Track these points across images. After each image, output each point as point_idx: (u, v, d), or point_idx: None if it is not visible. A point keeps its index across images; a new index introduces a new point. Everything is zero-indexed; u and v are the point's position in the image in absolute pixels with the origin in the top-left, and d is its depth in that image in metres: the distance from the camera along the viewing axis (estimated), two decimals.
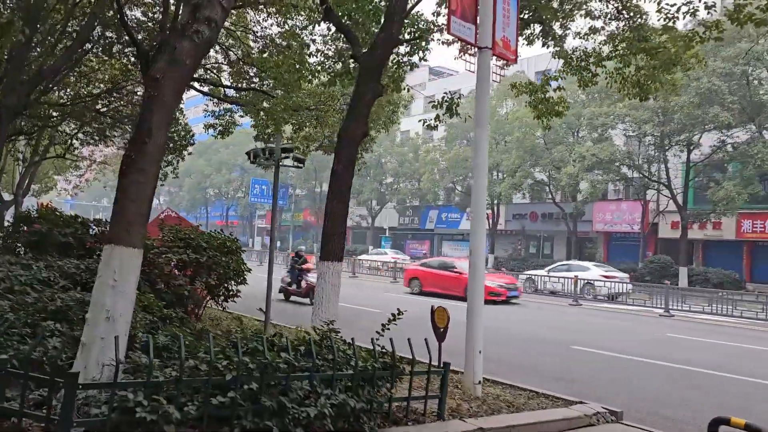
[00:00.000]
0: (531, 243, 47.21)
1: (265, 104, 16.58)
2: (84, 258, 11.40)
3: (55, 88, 16.54)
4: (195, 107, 56.16)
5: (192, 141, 17.74)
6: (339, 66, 11.53)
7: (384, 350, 5.03)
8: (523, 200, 45.18)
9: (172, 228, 8.51)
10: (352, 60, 11.09)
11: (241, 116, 18.43)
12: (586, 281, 23.99)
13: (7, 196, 27.44)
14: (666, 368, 10.25)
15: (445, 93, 8.89)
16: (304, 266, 19.18)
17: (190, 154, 17.93)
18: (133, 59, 16.83)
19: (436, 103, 9.12)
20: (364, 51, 7.86)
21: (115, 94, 18.31)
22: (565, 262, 30.43)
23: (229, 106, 18.56)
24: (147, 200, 4.44)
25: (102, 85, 18.13)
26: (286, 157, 9.59)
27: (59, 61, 9.73)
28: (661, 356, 11.26)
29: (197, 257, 7.62)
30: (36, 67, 10.28)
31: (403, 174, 53.30)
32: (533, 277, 27.78)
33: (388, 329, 5.19)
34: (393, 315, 5.35)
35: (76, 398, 3.50)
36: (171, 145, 17.47)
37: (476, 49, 6.94)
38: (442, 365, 5.50)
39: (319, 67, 12.56)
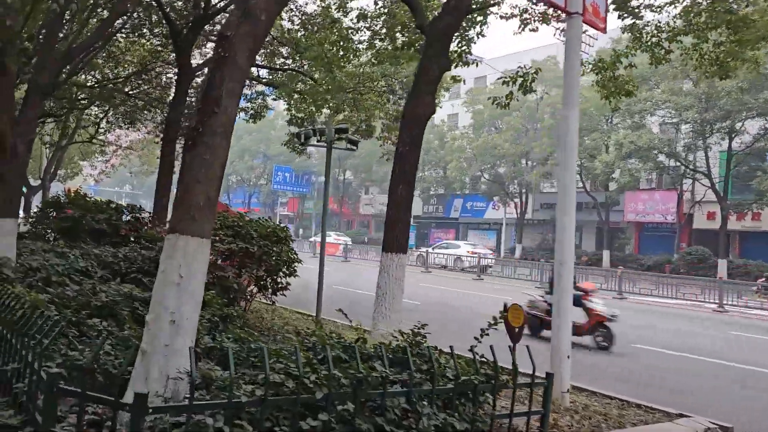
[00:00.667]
0: None
1: (300, 86, 15.87)
2: (119, 246, 10.84)
3: (83, 69, 15.99)
4: None
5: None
6: (386, 43, 10.73)
7: (483, 359, 4.31)
8: (552, 189, 44.05)
9: (219, 214, 7.85)
10: (402, 37, 10.31)
11: (274, 99, 17.73)
12: (456, 257, 29.92)
13: (33, 182, 27.15)
14: (750, 372, 9.42)
15: (519, 68, 8.06)
16: (584, 285, 11.52)
17: None
18: (162, 40, 16.22)
19: (507, 79, 8.31)
20: (429, 20, 7.08)
21: (143, 77, 17.72)
22: (445, 242, 37.61)
23: (261, 88, 17.89)
24: (216, 180, 3.74)
25: (131, 67, 17.56)
26: (339, 139, 8.86)
27: (91, 38, 9.07)
28: (740, 358, 10.40)
29: (247, 247, 6.95)
30: (66, 45, 9.64)
31: (428, 162, 52.41)
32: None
33: (487, 335, 4.45)
34: (494, 318, 4.62)
35: (144, 425, 2.83)
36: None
37: (565, 15, 6.13)
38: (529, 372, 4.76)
39: (365, 44, 11.77)
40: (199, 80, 15.03)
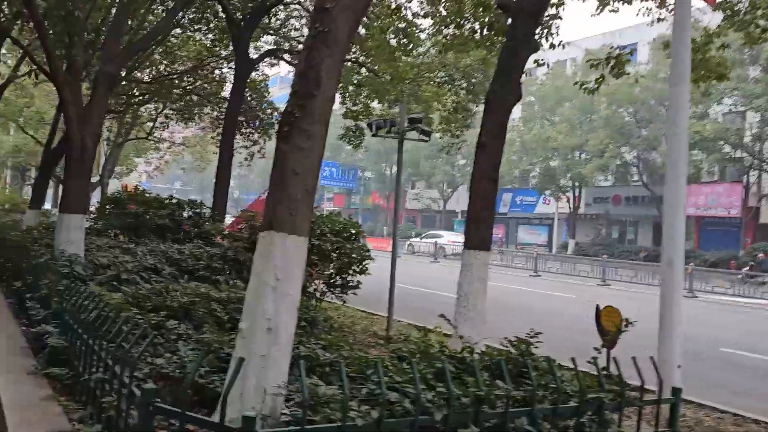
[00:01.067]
0: (613, 228, 44.51)
1: (355, 78, 15.48)
2: (181, 242, 10.71)
3: (141, 65, 16.04)
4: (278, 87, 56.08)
5: (279, 119, 16.89)
6: (453, 29, 10.20)
7: (606, 372, 3.79)
8: (605, 183, 42.55)
9: None
10: (469, 24, 9.77)
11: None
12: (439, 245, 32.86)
13: (91, 178, 27.81)
14: None
15: (611, 48, 7.42)
16: None
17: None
18: (218, 35, 16.11)
19: (597, 62, 7.68)
20: None
21: (199, 72, 17.70)
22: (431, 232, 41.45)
23: None
24: (315, 171, 3.35)
25: (186, 63, 17.54)
26: (411, 129, 8.40)
27: (156, 28, 8.88)
28: None
29: (319, 243, 6.60)
30: (129, 37, 9.50)
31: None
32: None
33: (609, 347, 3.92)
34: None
35: None
36: (258, 122, 16.75)
37: None
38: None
39: (431, 30, 11.26)
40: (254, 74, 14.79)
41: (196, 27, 15.79)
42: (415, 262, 29.61)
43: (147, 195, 14.46)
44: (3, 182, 35.81)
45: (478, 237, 6.32)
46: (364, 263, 7.29)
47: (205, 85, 18.36)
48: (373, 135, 8.83)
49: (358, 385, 3.47)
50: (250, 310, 3.23)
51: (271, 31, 15.35)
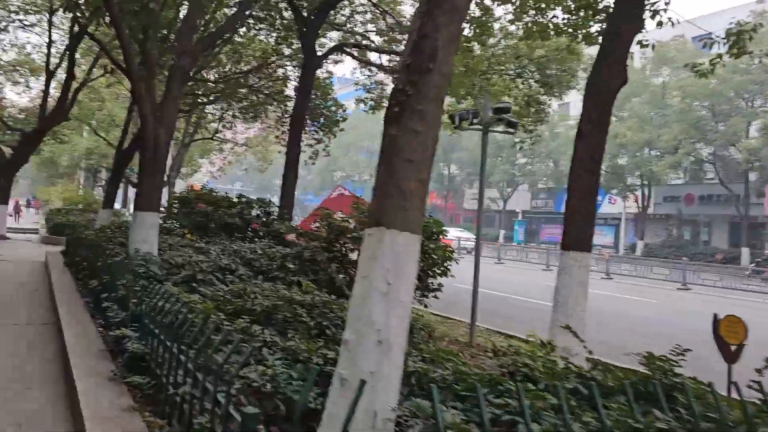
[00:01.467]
0: (684, 229, 42.23)
1: None
2: (252, 241, 10.52)
3: (207, 64, 16.07)
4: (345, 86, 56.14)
5: (345, 116, 16.65)
6: (532, 16, 9.57)
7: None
8: (677, 180, 40.39)
9: (367, 206, 7.15)
10: (559, 7, 9.11)
11: None
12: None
13: None
14: None
15: (732, 24, 6.61)
16: None
17: (341, 130, 16.94)
18: (282, 32, 15.97)
19: (710, 42, 6.89)
20: None
21: (264, 71, 17.64)
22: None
23: (380, 78, 17.23)
24: (429, 158, 2.89)
25: (252, 62, 17.51)
26: (497, 120, 7.84)
27: (227, 22, 8.68)
28: None
29: None
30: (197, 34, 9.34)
31: (538, 154, 50.06)
32: None
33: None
34: None
35: None
36: (322, 120, 16.54)
37: None
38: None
39: (510, 17, 10.64)
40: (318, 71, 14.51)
41: (261, 26, 15.72)
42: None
43: (214, 194, 14.47)
44: (77, 183, 37.30)
45: (576, 236, 5.73)
46: (446, 264, 6.79)
47: (270, 83, 18.32)
48: (456, 128, 8.33)
49: (472, 407, 3.00)
50: (356, 319, 2.79)
51: (337, 27, 15.07)
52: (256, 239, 10.34)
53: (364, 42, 15.58)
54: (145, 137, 7.32)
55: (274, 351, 3.90)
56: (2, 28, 21.96)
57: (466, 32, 10.71)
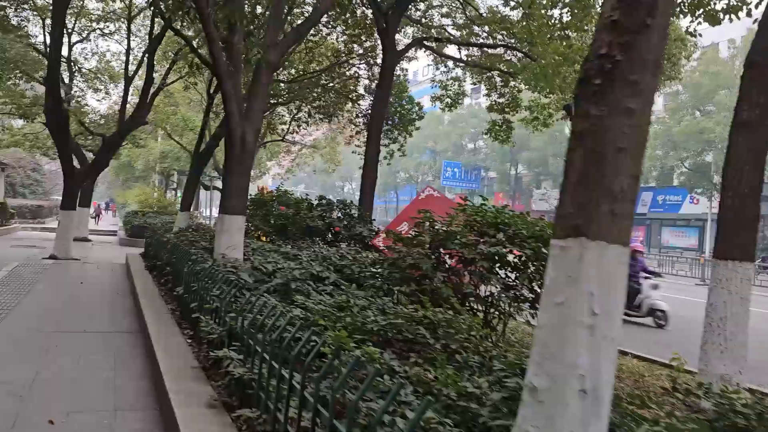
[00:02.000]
0: None
1: (501, 66, 14.15)
2: (333, 244, 10.03)
3: (282, 65, 15.79)
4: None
5: (421, 115, 16.01)
6: None
7: None
8: None
9: (476, 208, 6.43)
10: None
11: (474, 84, 16.23)
12: None
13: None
14: None
15: None
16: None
17: (417, 129, 16.32)
18: (356, 30, 15.50)
19: None
20: None
21: (337, 70, 17.23)
22: None
23: (457, 75, 16.49)
24: (643, 147, 2.17)
25: (325, 61, 17.13)
26: None
27: (311, 17, 8.16)
28: None
29: (519, 250, 5.42)
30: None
31: None
32: None
33: None
34: None
35: None
36: (396, 119, 15.96)
37: None
38: None
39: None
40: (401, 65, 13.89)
41: (334, 23, 15.31)
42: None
43: (288, 196, 14.16)
44: (152, 186, 38.41)
45: (735, 243, 4.82)
46: None
47: (341, 83, 17.90)
48: (570, 117, 7.49)
49: None
50: (547, 359, 2.11)
51: (413, 22, 14.44)
52: (338, 243, 9.84)
53: (447, 35, 14.87)
54: (232, 135, 6.91)
55: (394, 378, 3.28)
56: (84, 37, 22.66)
57: (564, 17, 9.84)
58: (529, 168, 55.24)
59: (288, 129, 21.09)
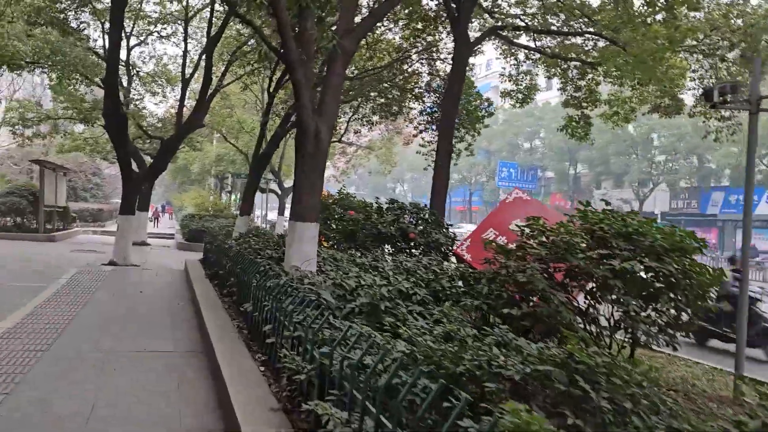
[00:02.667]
0: None
1: (583, 56, 12.96)
2: (404, 251, 9.16)
3: None
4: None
5: (490, 111, 14.96)
6: None
7: None
8: None
9: (600, 214, 5.40)
10: None
11: (548, 77, 15.06)
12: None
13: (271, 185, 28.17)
14: None
15: None
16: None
17: (486, 127, 15.29)
18: (420, 24, 14.64)
19: None
20: None
21: (402, 66, 16.38)
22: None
23: (527, 68, 15.37)
24: None
25: (386, 57, 16.32)
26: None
27: (384, 6, 7.32)
28: None
29: (658, 266, 4.36)
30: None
31: (680, 150, 45.35)
32: None
33: None
34: None
35: None
36: (464, 115, 14.95)
37: None
38: None
39: None
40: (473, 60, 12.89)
41: (396, 17, 14.48)
42: None
43: (351, 198, 13.43)
44: (208, 189, 38.61)
45: None
46: (706, 291, 4.86)
47: (402, 79, 17.02)
48: (711, 106, 6.38)
49: None
50: None
51: (485, 11, 13.41)
52: (412, 251, 8.97)
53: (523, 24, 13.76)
54: (304, 131, 6.13)
55: None
56: (142, 40, 22.66)
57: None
58: (589, 167, 53.07)
59: (346, 129, 20.35)
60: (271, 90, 13.18)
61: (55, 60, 16.26)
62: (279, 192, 25.01)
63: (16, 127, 21.68)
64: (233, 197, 41.25)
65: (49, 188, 21.35)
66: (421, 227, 8.84)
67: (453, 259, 9.08)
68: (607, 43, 12.35)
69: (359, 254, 8.18)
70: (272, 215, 34.27)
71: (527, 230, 5.42)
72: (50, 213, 22.41)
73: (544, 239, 5.10)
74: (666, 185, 48.46)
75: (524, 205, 7.83)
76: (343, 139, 22.23)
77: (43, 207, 20.73)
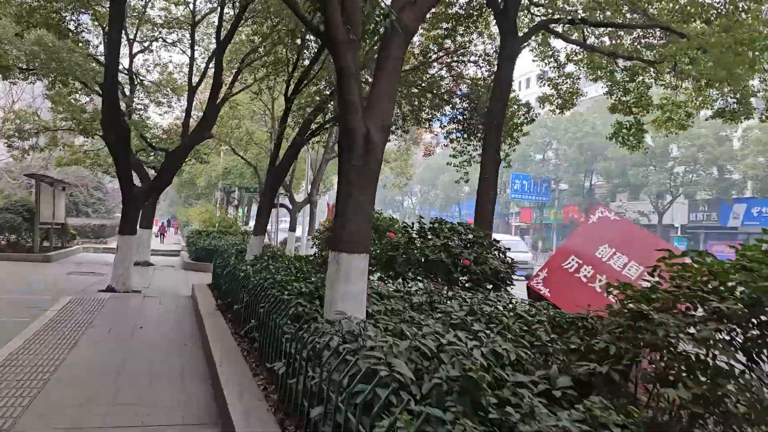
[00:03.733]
0: None
1: (646, 53, 11.55)
2: (455, 282, 7.67)
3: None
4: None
5: (531, 117, 13.50)
6: None
7: None
8: None
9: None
10: None
11: (593, 79, 13.59)
12: None
13: (297, 197, 26.72)
14: None
15: None
16: None
17: (525, 135, 13.83)
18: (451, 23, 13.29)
19: None
20: None
21: (424, 70, 14.96)
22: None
23: (569, 71, 13.96)
24: None
25: (411, 60, 14.89)
26: None
27: None
28: None
29: None
30: None
31: (699, 160, 43.83)
32: None
33: None
34: None
35: None
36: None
37: None
38: None
39: None
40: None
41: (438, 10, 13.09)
42: None
43: (387, 218, 12.14)
44: (214, 204, 37.22)
45: None
46: None
47: (433, 83, 15.57)
48: None
49: None
50: None
51: (534, 4, 11.95)
52: (463, 280, 7.49)
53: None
54: (350, 135, 4.68)
55: None
56: (146, 47, 21.41)
57: None
58: (606, 178, 51.52)
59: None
60: (290, 94, 11.77)
61: (51, 67, 14.92)
62: (290, 207, 23.55)
63: (12, 139, 20.34)
64: (240, 212, 39.81)
65: (45, 204, 19.97)
66: (474, 253, 7.34)
67: (513, 289, 7.59)
68: (667, 38, 10.94)
69: (408, 287, 6.71)
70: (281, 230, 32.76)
71: (677, 278, 3.91)
72: (47, 230, 21.01)
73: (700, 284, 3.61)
74: (684, 197, 46.92)
75: (611, 226, 6.36)
76: None
77: (39, 224, 19.32)
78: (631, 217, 51.47)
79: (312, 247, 13.70)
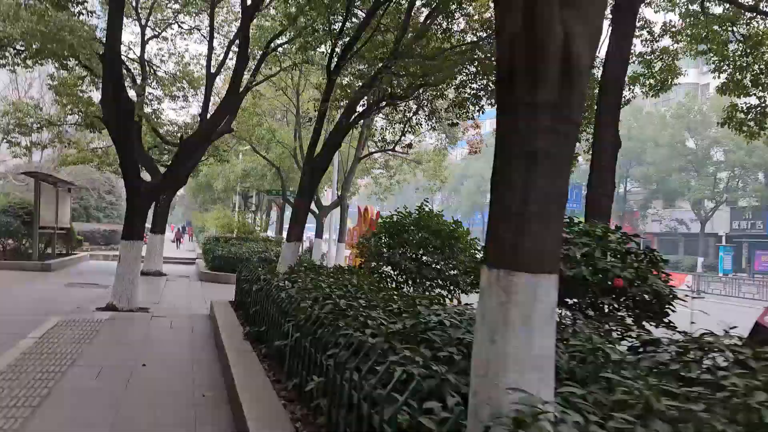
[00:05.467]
0: None
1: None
2: (598, 309, 5.34)
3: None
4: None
5: (628, 99, 11.09)
6: None
7: None
8: None
9: None
10: None
11: (693, 57, 11.19)
12: None
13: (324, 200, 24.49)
14: None
15: None
16: None
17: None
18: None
19: None
20: None
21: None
22: None
23: (664, 45, 11.58)
24: None
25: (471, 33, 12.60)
26: None
27: None
28: None
29: None
30: None
31: (746, 166, 41.02)
32: None
33: None
34: None
35: None
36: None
37: None
38: None
39: None
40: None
41: None
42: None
43: (437, 217, 10.00)
44: (232, 208, 35.12)
45: None
46: None
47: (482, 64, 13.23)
48: None
49: None
50: None
51: None
52: (619, 311, 5.14)
53: None
54: (534, 42, 2.34)
55: None
56: (160, 32, 19.39)
57: None
58: (645, 185, 48.66)
59: (403, 132, 16.56)
60: (332, 68, 9.50)
61: (49, 49, 12.87)
62: (317, 210, 21.29)
63: (12, 135, 18.33)
64: (258, 217, 37.64)
65: (46, 206, 17.89)
66: (633, 270, 4.97)
67: (670, 319, 5.19)
68: None
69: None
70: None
71: None
72: (50, 236, 18.94)
73: None
74: (726, 204, 44.08)
75: None
76: (396, 148, 18.37)
77: (38, 228, 17.21)
78: (668, 225, 48.65)
79: (352, 257, 11.37)
